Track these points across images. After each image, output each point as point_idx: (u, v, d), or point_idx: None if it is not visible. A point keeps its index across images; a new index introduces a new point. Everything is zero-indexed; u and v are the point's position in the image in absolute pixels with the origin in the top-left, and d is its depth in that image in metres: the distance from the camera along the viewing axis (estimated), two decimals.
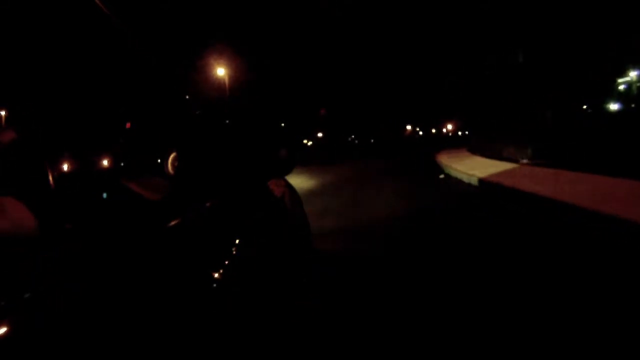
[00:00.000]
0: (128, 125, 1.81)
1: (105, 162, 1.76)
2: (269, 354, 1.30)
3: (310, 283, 2.40)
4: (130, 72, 1.77)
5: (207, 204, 1.75)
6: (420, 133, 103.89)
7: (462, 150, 22.89)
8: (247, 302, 1.26)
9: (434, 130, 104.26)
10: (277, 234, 2.04)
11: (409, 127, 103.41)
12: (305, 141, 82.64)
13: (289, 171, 2.20)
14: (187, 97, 1.94)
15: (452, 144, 36.57)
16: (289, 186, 2.33)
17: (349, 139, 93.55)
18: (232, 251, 1.42)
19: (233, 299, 1.16)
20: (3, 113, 1.71)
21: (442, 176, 11.84)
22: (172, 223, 1.49)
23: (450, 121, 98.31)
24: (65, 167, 1.70)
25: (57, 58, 1.67)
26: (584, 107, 16.02)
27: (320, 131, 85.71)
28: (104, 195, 1.73)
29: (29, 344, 0.67)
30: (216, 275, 1.17)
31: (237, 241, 1.52)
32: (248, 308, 1.24)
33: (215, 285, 1.11)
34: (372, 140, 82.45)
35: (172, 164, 1.97)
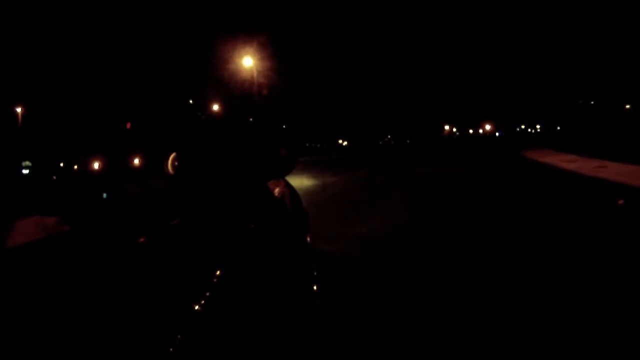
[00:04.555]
0: (128, 125, 1.87)
1: (104, 163, 1.83)
2: (270, 356, 1.31)
3: (311, 284, 2.42)
4: (132, 75, 1.83)
5: (210, 206, 1.78)
6: (457, 133, 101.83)
7: (550, 151, 18.55)
8: (248, 305, 1.26)
9: (471, 131, 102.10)
10: (277, 233, 2.06)
11: (447, 127, 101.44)
12: (340, 141, 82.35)
13: (289, 171, 2.23)
14: (191, 101, 1.99)
15: (513, 144, 31.63)
16: (289, 186, 2.37)
17: (386, 139, 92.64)
18: (233, 252, 1.43)
19: (233, 301, 1.16)
20: (20, 110, 1.81)
21: (621, 202, 7.86)
22: (174, 222, 1.54)
23: (488, 122, 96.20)
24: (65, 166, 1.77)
25: (60, 60, 1.74)
26: None
27: (356, 131, 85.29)
28: (104, 195, 1.79)
29: (29, 343, 0.71)
30: (215, 276, 1.17)
31: (237, 242, 1.53)
32: (248, 311, 1.24)
33: (214, 286, 1.12)
34: (409, 141, 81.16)
35: (172, 164, 2.03)
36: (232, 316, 1.09)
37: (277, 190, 2.26)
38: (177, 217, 1.58)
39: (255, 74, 23.08)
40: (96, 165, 1.82)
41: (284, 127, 2.15)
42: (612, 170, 10.96)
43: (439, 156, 25.09)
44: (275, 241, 1.92)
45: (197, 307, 0.98)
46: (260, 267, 1.53)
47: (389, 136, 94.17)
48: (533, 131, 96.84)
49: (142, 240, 1.30)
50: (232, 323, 1.07)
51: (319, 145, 73.85)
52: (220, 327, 1.00)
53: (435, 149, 36.58)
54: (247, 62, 24.26)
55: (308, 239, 2.42)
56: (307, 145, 73.07)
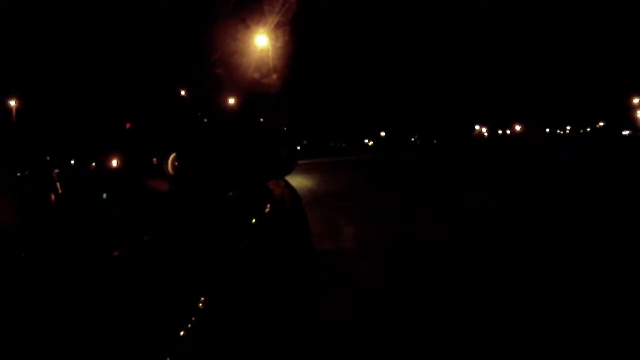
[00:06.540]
0: (128, 125, 1.91)
1: (104, 163, 1.86)
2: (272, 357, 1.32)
3: (310, 283, 2.43)
4: (130, 74, 1.86)
5: (209, 206, 1.80)
6: (486, 134, 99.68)
7: None
8: (246, 306, 1.27)
9: (500, 132, 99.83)
10: (277, 234, 2.07)
11: (477, 127, 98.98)
12: (366, 141, 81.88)
13: (289, 171, 2.25)
14: (183, 92, 2.02)
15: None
16: (289, 186, 2.39)
17: (412, 139, 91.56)
18: (232, 254, 1.43)
19: (232, 302, 1.15)
20: (13, 103, 1.79)
21: None
22: (173, 224, 1.56)
23: (518, 122, 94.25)
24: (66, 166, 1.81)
25: (59, 58, 1.77)
26: None
27: (382, 131, 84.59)
28: (104, 195, 1.82)
29: (28, 343, 0.72)
30: (215, 277, 1.18)
31: (236, 244, 1.54)
32: (247, 312, 1.25)
33: (213, 288, 1.12)
34: (435, 141, 79.75)
35: (172, 164, 2.06)
36: (230, 317, 1.10)
37: (277, 191, 2.28)
38: (176, 218, 1.60)
39: (270, 57, 20.63)
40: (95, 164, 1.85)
41: (285, 128, 2.17)
42: None
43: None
44: (274, 242, 1.93)
45: (197, 307, 0.98)
46: (259, 268, 1.54)
47: (416, 136, 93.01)
48: (562, 132, 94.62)
49: (141, 241, 1.32)
50: (230, 325, 1.08)
51: (343, 145, 73.45)
52: (219, 329, 1.01)
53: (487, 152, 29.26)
54: (262, 40, 20.78)
55: (308, 236, 2.44)
56: (332, 144, 72.87)
